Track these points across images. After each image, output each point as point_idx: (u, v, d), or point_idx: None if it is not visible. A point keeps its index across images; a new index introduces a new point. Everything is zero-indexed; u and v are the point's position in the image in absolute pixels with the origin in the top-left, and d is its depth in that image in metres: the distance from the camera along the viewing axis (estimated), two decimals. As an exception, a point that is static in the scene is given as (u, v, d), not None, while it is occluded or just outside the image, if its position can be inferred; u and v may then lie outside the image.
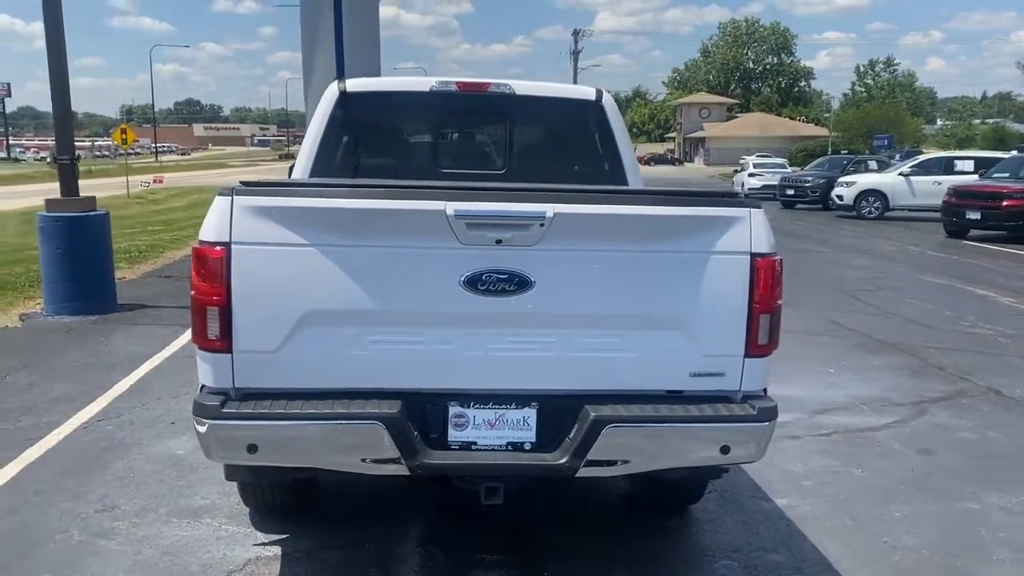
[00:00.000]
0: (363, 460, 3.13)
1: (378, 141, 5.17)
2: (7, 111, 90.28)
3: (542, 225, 3.08)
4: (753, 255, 3.22)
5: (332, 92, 4.97)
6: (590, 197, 3.19)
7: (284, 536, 4.04)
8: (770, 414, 3.27)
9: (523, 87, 5.07)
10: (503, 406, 3.27)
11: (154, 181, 32.89)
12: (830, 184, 25.91)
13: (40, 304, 9.40)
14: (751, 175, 33.62)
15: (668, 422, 3.18)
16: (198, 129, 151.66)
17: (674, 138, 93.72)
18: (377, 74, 12.29)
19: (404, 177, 4.95)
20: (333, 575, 3.72)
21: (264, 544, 3.97)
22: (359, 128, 5.09)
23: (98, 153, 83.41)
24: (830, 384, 6.99)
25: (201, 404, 3.09)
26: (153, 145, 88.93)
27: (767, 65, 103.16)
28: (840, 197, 24.65)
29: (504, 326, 3.17)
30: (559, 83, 5.21)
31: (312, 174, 4.91)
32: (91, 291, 9.01)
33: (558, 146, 5.24)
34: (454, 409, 3.26)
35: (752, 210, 3.24)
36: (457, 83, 5.00)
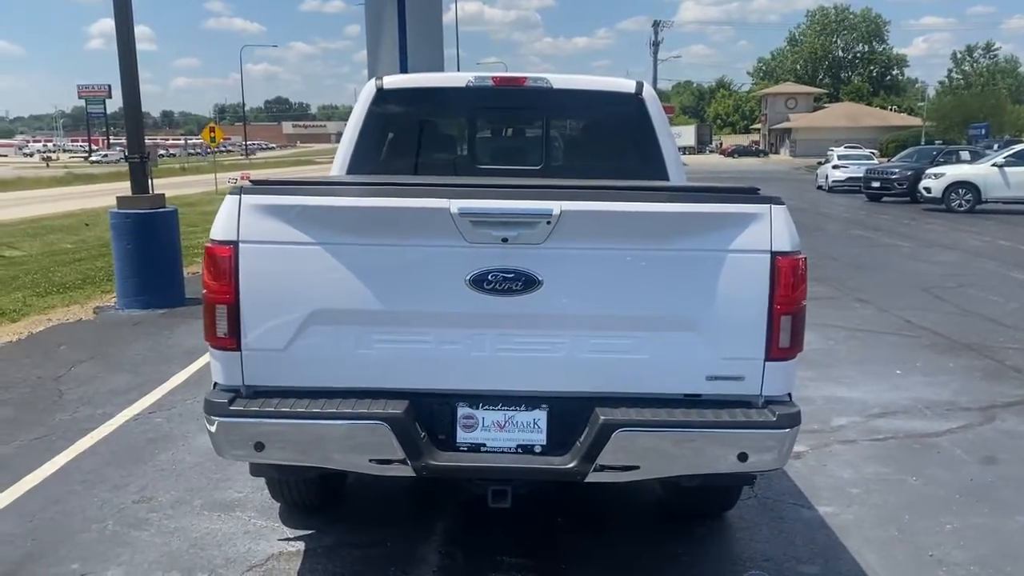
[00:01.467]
0: (369, 460, 3.11)
1: (415, 138, 5.15)
2: (109, 111, 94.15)
3: (549, 223, 3.00)
4: (774, 254, 3.06)
5: (369, 88, 4.98)
6: (599, 194, 3.09)
7: (309, 532, 4.07)
8: (792, 420, 3.11)
9: (561, 80, 4.98)
10: (513, 408, 3.20)
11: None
12: (918, 176, 24.86)
13: (114, 298, 9.75)
14: (835, 167, 32.61)
15: (681, 427, 3.06)
16: (287, 127, 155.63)
17: (759, 129, 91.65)
18: (440, 71, 12.35)
19: (440, 174, 4.93)
20: (351, 572, 3.72)
21: (288, 539, 4.00)
22: (396, 125, 5.09)
23: (191, 151, 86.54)
24: (894, 386, 6.68)
25: (210, 401, 3.12)
26: (244, 143, 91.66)
27: (857, 53, 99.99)
28: (928, 190, 23.65)
29: (512, 326, 3.10)
30: (601, 76, 5.09)
31: (349, 171, 4.93)
32: (159, 286, 9.29)
33: (597, 140, 5.13)
34: (463, 410, 3.21)
35: (773, 206, 3.09)
36: (493, 78, 4.94)
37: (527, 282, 3.04)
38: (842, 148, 39.83)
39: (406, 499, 4.43)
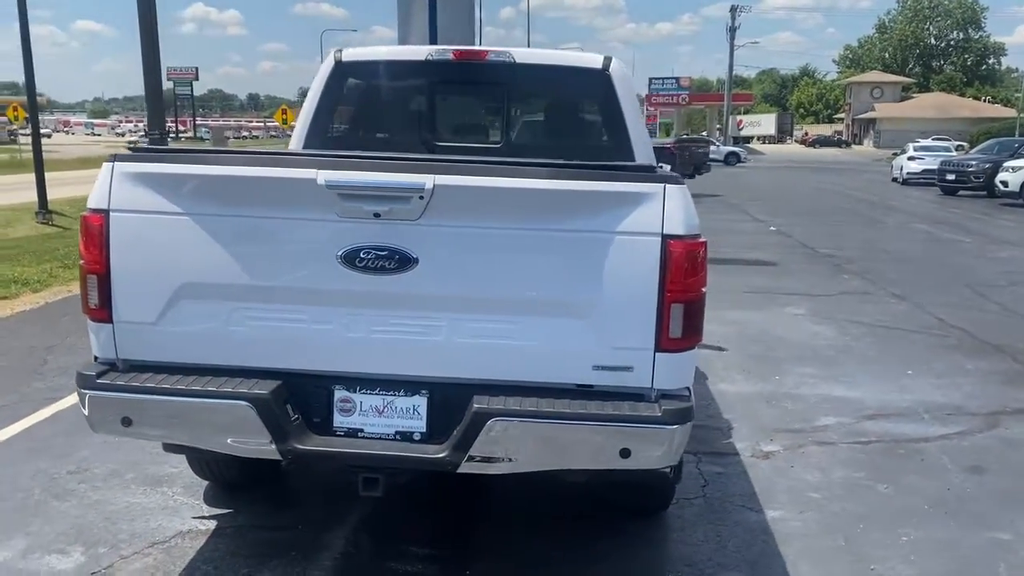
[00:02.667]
0: (233, 441, 3.00)
1: (371, 113, 5.02)
2: (197, 93, 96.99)
3: (422, 198, 2.83)
4: (665, 237, 2.83)
5: (329, 61, 4.87)
6: (477, 168, 2.90)
7: (226, 511, 4.00)
8: (680, 416, 2.87)
9: (525, 55, 4.79)
10: (392, 392, 3.05)
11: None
12: (996, 169, 23.62)
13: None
14: (910, 159, 31.29)
15: (556, 419, 2.86)
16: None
17: (842, 119, 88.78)
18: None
19: (395, 151, 4.79)
20: (252, 554, 3.63)
21: (203, 518, 3.94)
22: (354, 99, 4.98)
23: (273, 133, 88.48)
24: (900, 387, 6.28)
25: (80, 373, 3.05)
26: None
27: (951, 41, 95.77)
28: (1004, 183, 22.46)
29: (387, 306, 2.94)
30: (571, 51, 4.87)
31: (306, 145, 4.84)
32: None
33: (561, 118, 4.92)
34: (340, 393, 3.06)
35: (668, 186, 2.85)
36: (454, 51, 4.78)
37: (401, 260, 2.88)
38: (929, 139, 38.09)
39: (341, 483, 4.32)
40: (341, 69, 4.88)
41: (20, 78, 21.25)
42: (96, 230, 2.99)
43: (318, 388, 3.06)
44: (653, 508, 4.08)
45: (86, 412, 3.05)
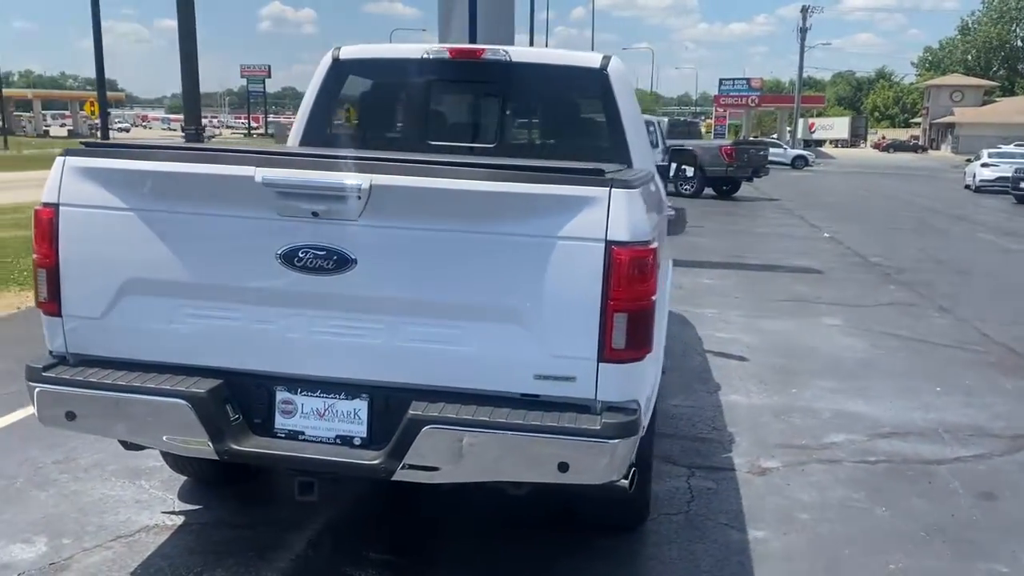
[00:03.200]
0: (169, 439, 2.99)
1: (367, 111, 4.98)
2: (269, 91, 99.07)
3: (359, 197, 2.77)
4: (609, 243, 2.71)
5: (326, 59, 4.86)
6: (415, 168, 2.82)
7: (196, 507, 4.01)
8: (621, 430, 2.75)
9: (521, 54, 4.70)
10: (333, 396, 2.99)
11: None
12: (1074, 177, 22.60)
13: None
14: (984, 165, 30.12)
15: (493, 429, 2.76)
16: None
17: (919, 124, 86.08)
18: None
19: (388, 150, 4.74)
20: (210, 551, 3.62)
21: (171, 513, 3.94)
22: (350, 97, 4.94)
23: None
24: (923, 405, 6.00)
25: (28, 367, 3.08)
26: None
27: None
28: (1081, 193, 21.44)
29: (327, 307, 2.89)
30: (570, 50, 4.76)
31: (302, 143, 4.84)
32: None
33: (557, 119, 4.81)
34: (281, 394, 3.02)
35: (613, 190, 2.73)
36: (450, 50, 4.72)
37: (340, 260, 2.82)
38: (1011, 146, 36.55)
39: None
40: (338, 67, 4.86)
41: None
42: (46, 224, 3.01)
43: (260, 389, 3.02)
44: (626, 523, 3.94)
45: (34, 405, 3.07)
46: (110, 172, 2.95)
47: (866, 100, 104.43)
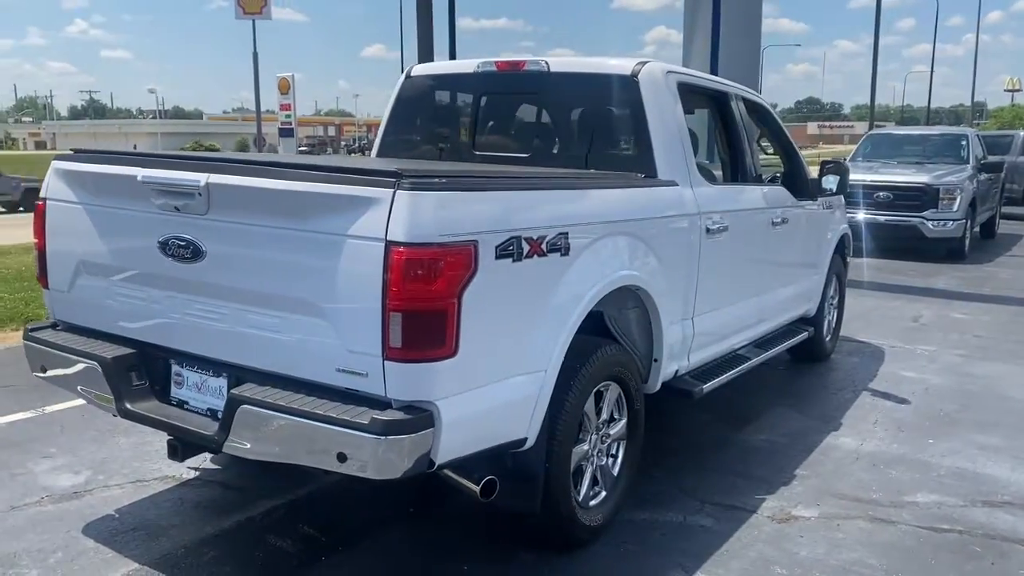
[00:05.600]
0: (91, 393, 3.54)
1: (428, 123, 5.28)
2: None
3: (200, 194, 3.12)
4: (389, 243, 2.77)
5: (402, 75, 5.27)
6: (239, 168, 3.11)
7: (217, 467, 4.58)
8: (389, 428, 2.80)
9: (559, 64, 4.74)
10: (206, 372, 3.38)
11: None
12: None
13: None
14: None
15: (286, 413, 2.96)
16: (811, 127, 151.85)
17: None
18: (754, 68, 11.61)
19: (441, 159, 5.02)
20: (197, 501, 4.16)
21: (194, 468, 4.54)
22: (417, 111, 5.29)
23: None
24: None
25: (25, 327, 3.85)
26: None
27: None
28: None
29: (192, 292, 3.29)
30: (607, 58, 4.65)
31: (378, 152, 5.32)
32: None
33: (589, 127, 4.72)
34: (175, 367, 3.48)
35: (398, 192, 2.78)
36: (497, 63, 4.89)
37: (195, 251, 3.21)
38: None
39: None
40: (410, 82, 5.24)
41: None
42: (39, 214, 3.76)
43: (160, 361, 3.50)
44: (552, 544, 3.77)
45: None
46: (67, 172, 3.63)
47: None
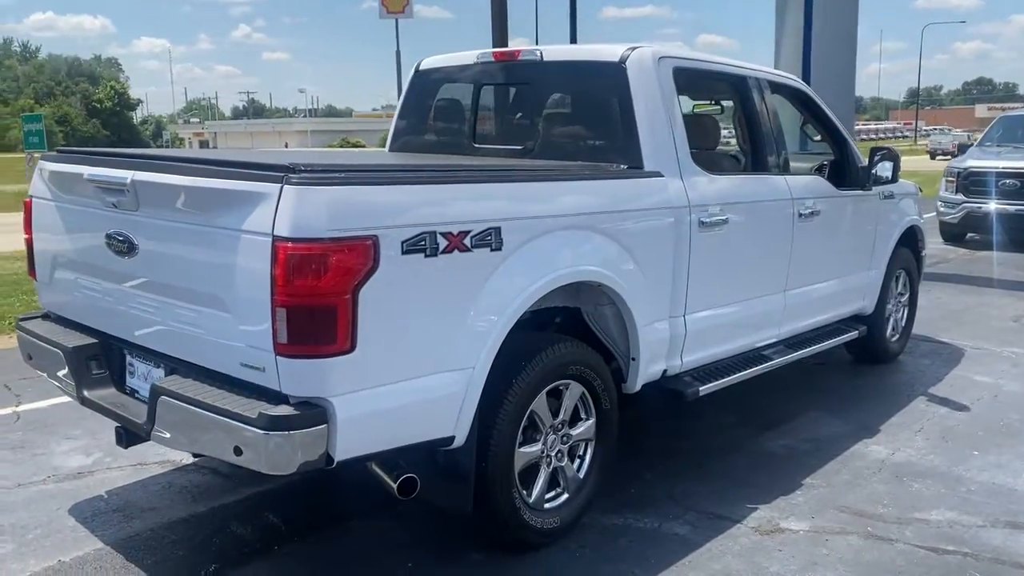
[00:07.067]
0: (62, 379, 3.72)
1: (434, 116, 5.25)
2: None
3: (128, 191, 3.23)
4: (275, 238, 2.78)
5: (414, 69, 5.29)
6: (160, 165, 3.18)
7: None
8: (273, 423, 2.81)
9: (552, 52, 4.63)
10: (150, 363, 3.50)
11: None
12: None
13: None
14: None
15: (190, 404, 3.02)
16: (980, 110, 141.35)
17: None
18: (850, 72, 10.96)
19: (443, 153, 5.00)
20: (188, 484, 4.33)
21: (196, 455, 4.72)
22: (425, 104, 5.28)
23: (877, 135, 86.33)
24: None
25: (18, 318, 4.10)
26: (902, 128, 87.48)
27: None
28: None
29: (132, 285, 3.40)
30: (599, 45, 4.48)
31: (390, 147, 5.37)
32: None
33: (579, 117, 4.57)
34: (128, 357, 3.62)
35: (285, 187, 2.78)
36: (494, 53, 4.83)
37: (129, 246, 3.33)
38: None
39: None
40: (419, 76, 5.25)
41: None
42: (27, 211, 4.00)
43: (117, 351, 3.65)
44: (507, 546, 3.68)
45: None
46: (48, 172, 3.84)
47: None
